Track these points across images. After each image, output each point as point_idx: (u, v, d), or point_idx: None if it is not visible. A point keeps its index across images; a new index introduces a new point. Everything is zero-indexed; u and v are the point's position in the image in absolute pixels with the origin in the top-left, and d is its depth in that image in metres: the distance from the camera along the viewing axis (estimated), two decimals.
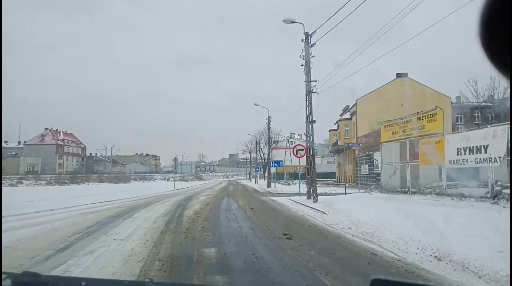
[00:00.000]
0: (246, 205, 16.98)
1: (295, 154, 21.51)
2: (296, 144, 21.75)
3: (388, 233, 8.60)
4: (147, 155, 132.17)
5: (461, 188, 16.15)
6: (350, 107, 48.11)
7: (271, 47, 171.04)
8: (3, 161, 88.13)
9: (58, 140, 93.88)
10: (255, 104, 36.58)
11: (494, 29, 0.84)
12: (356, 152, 30.27)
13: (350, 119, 46.49)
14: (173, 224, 9.97)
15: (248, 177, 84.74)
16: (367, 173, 37.09)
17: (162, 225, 9.82)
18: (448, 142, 16.97)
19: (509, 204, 10.75)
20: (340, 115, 52.65)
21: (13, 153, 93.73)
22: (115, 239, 7.68)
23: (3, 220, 8.43)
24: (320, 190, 28.18)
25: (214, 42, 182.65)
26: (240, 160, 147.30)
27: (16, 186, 38.30)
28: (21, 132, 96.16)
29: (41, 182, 43.77)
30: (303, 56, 18.37)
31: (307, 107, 18.50)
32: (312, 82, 18.16)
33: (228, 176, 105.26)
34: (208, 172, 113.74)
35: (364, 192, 24.65)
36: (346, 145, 28.99)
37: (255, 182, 58.66)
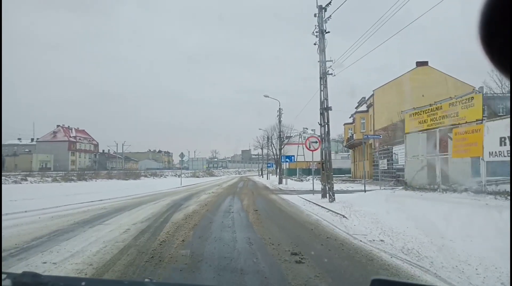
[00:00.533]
0: (251, 205, 14.43)
1: (308, 147, 18.89)
2: (309, 136, 19.06)
3: (441, 252, 5.96)
4: (159, 151, 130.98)
5: (502, 185, 13.34)
6: (366, 98, 45.06)
7: (283, 43, 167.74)
8: (16, 158, 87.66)
9: (70, 137, 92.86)
10: (265, 96, 34.03)
11: (494, 29, 0.82)
12: (376, 144, 27.41)
13: (367, 111, 43.45)
14: (147, 236, 7.48)
15: (260, 173, 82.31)
16: (386, 168, 34.55)
17: (131, 237, 7.34)
18: (488, 131, 13.99)
19: None
20: (356, 108, 49.59)
21: (26, 150, 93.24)
22: (45, 262, 5.25)
23: None
24: (335, 186, 25.55)
25: (226, 38, 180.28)
26: (253, 156, 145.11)
27: (20, 183, 36.59)
28: (35, 130, 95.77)
29: (47, 179, 42.05)
30: (316, 33, 15.69)
31: (322, 92, 15.82)
32: (327, 63, 15.47)
33: (240, 172, 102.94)
34: (220, 168, 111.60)
35: (385, 189, 21.95)
36: (365, 136, 26.19)
37: (267, 178, 56.13)
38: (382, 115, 39.71)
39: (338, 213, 11.23)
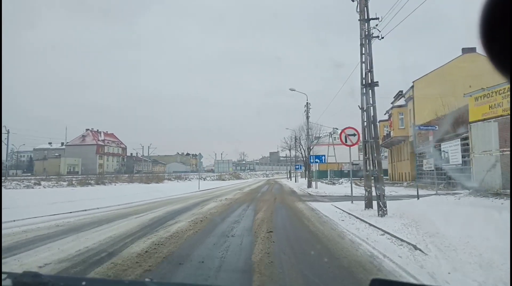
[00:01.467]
0: (267, 221, 10.01)
1: (344, 141, 14.36)
2: (344, 128, 14.50)
3: None
4: (187, 154, 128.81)
5: None
6: (404, 92, 39.68)
7: (308, 44, 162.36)
8: (44, 162, 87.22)
9: (99, 140, 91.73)
10: (291, 89, 29.59)
11: (495, 29, 0.82)
12: (430, 137, 22.36)
13: (405, 105, 38.09)
14: None
15: (288, 175, 77.73)
16: (432, 168, 29.50)
17: None
18: None
19: None
20: (392, 103, 44.22)
21: (56, 154, 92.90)
22: None
23: None
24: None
25: (249, 41, 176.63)
26: (281, 158, 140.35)
27: (33, 188, 33.85)
28: (67, 134, 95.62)
29: (63, 183, 39.21)
30: None
31: (363, 64, 11.24)
32: (371, 21, 10.91)
33: (268, 175, 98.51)
34: (248, 170, 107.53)
35: (441, 194, 17.16)
36: (417, 127, 21.18)
37: (295, 181, 51.53)
38: (424, 109, 34.25)
39: (403, 240, 6.70)
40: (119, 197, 20.16)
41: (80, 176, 52.75)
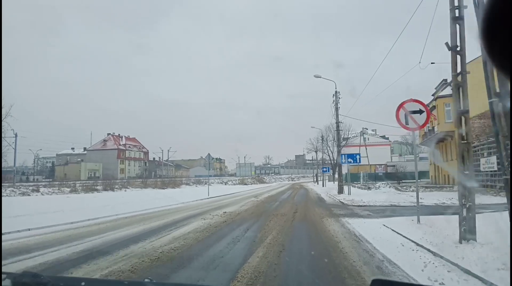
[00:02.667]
0: (273, 267, 4.64)
1: (404, 123, 8.69)
2: (404, 101, 8.70)
3: None
4: (211, 158, 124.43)
5: None
6: (450, 80, 33.17)
7: (324, 47, 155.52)
8: (65, 167, 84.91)
9: (120, 145, 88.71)
10: (316, 76, 24.01)
11: (496, 29, 0.80)
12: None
13: (447, 96, 31.59)
14: None
15: (314, 179, 71.79)
16: (493, 169, 23.95)
17: None
18: None
19: None
20: (433, 95, 37.72)
21: (79, 159, 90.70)
22: None
23: None
24: (426, 199, 15.27)
25: (270, 44, 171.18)
26: (307, 162, 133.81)
27: (29, 195, 29.80)
28: (92, 139, 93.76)
29: (66, 189, 35.04)
30: None
31: None
32: None
33: (293, 179, 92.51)
34: (272, 174, 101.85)
35: None
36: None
37: (322, 185, 45.64)
38: (477, 98, 27.52)
39: None
40: (120, 206, 16.60)
41: (99, 182, 48.99)
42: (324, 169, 43.00)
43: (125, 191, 38.85)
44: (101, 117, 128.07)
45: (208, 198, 23.09)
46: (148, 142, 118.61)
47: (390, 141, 78.77)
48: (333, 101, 24.82)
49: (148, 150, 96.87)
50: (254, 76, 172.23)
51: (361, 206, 15.10)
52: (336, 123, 24.75)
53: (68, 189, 34.75)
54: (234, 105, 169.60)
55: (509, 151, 5.24)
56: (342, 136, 60.50)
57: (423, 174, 42.05)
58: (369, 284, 1.28)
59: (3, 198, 25.31)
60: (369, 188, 28.22)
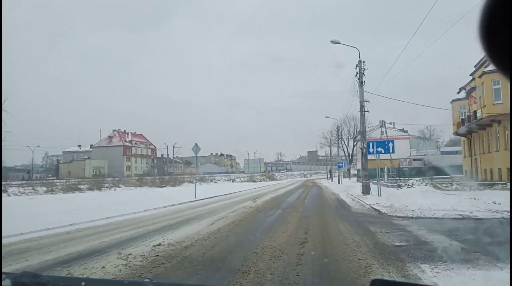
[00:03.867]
0: None
1: None
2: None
3: None
4: (221, 155, 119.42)
5: None
6: None
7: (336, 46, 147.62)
8: (69, 165, 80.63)
9: (126, 141, 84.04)
10: (334, 42, 18.05)
11: (495, 28, 0.78)
12: None
13: (495, 71, 25.03)
14: None
15: (329, 176, 65.79)
16: None
17: None
18: None
19: None
20: (471, 75, 31.24)
21: (85, 157, 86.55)
22: None
23: None
24: (465, 198, 9.12)
25: (278, 43, 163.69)
26: (320, 158, 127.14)
27: None
28: (101, 137, 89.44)
29: (42, 188, 29.89)
30: None
31: None
32: None
33: (305, 175, 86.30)
34: (284, 171, 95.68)
35: None
36: None
37: (339, 183, 39.43)
38: None
39: None
40: (89, 211, 10.97)
41: (103, 179, 43.87)
42: (340, 165, 36.92)
43: (115, 190, 33.57)
44: (111, 116, 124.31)
45: (191, 202, 17.46)
46: (157, 139, 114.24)
47: (409, 135, 71.31)
48: (356, 73, 18.75)
49: (155, 147, 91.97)
50: (258, 76, 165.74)
51: (413, 218, 9.17)
52: (360, 103, 18.63)
53: (44, 189, 29.50)
54: (249, 104, 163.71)
55: None
56: (358, 130, 54.19)
57: (456, 169, 35.57)
58: (369, 284, 1.21)
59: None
60: (399, 186, 22.16)
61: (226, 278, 4.32)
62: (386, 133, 77.22)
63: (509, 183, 22.39)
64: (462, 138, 35.74)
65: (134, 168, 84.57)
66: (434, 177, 33.79)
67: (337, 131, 45.40)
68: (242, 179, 60.89)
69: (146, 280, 1.67)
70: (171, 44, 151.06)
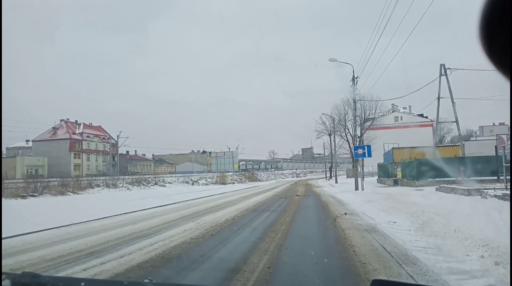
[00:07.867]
0: None
1: None
2: None
3: None
4: (203, 152, 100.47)
5: None
6: None
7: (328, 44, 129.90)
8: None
9: (74, 133, 64.98)
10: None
11: (494, 29, 0.76)
12: None
13: None
14: None
15: (329, 175, 47.47)
16: None
17: None
18: None
19: None
20: None
21: (31, 154, 67.52)
22: None
23: None
24: None
25: (267, 43, 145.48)
26: (315, 155, 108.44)
27: None
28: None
29: None
30: None
31: None
32: None
33: (298, 175, 67.13)
34: (272, 169, 76.56)
35: None
36: None
37: (356, 189, 20.42)
38: None
39: None
40: None
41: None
42: (359, 152, 18.25)
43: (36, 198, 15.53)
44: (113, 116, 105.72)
45: None
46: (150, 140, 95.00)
47: (432, 120, 51.09)
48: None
49: (116, 142, 72.63)
50: (248, 76, 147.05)
51: None
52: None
53: None
54: (238, 102, 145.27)
55: None
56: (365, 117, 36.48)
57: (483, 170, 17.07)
58: (369, 284, 1.17)
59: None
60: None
61: None
62: (396, 120, 56.88)
63: None
64: None
65: (86, 166, 65.49)
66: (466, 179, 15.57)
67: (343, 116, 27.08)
68: (209, 180, 42.20)
69: (146, 280, 1.47)
70: (164, 43, 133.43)
